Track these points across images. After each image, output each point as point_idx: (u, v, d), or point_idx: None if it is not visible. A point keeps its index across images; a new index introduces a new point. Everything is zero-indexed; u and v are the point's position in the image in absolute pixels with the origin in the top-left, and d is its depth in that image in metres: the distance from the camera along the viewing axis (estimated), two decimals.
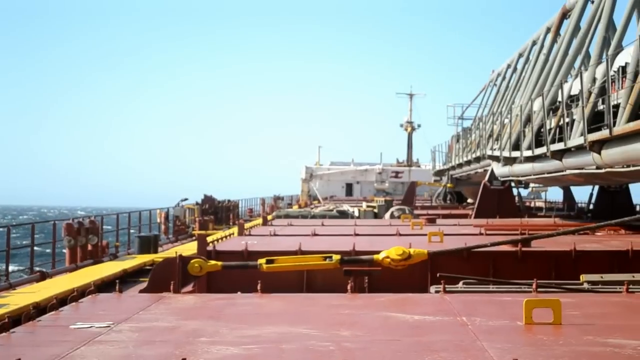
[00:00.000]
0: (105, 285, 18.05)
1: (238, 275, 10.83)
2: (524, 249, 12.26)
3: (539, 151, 22.85)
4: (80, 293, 7.76)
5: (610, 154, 17.08)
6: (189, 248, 25.03)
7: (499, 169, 29.22)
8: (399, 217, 27.39)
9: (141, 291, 10.29)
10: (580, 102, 19.34)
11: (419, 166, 76.09)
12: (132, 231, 31.47)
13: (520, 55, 37.49)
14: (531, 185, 37.93)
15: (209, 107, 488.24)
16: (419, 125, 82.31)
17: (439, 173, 52.41)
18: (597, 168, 19.06)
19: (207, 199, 46.10)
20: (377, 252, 8.88)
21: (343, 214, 34.49)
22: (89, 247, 24.32)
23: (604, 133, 17.07)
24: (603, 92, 18.31)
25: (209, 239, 13.75)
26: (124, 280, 19.43)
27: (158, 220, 38.05)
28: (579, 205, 38.33)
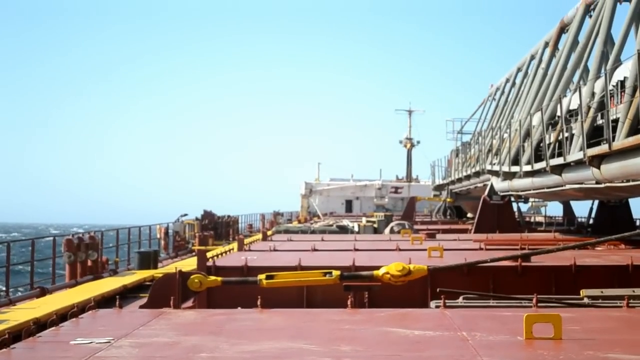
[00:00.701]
0: (105, 301, 18.05)
1: (238, 290, 10.82)
2: (524, 264, 12.27)
3: (538, 166, 22.87)
4: (80, 309, 7.75)
5: (610, 168, 17.10)
6: (188, 263, 25.02)
7: (499, 184, 29.24)
8: (398, 232, 27.41)
9: (141, 307, 10.29)
10: (579, 117, 19.38)
11: (418, 182, 76.04)
12: (132, 246, 31.45)
13: (519, 70, 37.55)
14: (531, 200, 37.97)
15: (206, 123, 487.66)
16: (418, 142, 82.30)
17: (439, 188, 52.43)
18: (597, 183, 19.08)
19: (207, 215, 46.13)
20: (377, 268, 8.88)
21: (343, 229, 34.50)
22: (89, 263, 24.33)
23: (603, 148, 17.09)
24: (602, 106, 18.35)
25: (208, 254, 13.75)
26: (124, 296, 19.43)
27: (158, 236, 38.06)
28: (579, 220, 38.34)
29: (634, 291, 9.46)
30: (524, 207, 39.79)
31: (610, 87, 18.27)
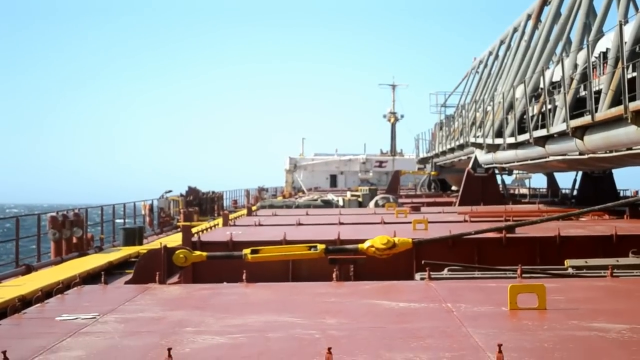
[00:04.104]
0: (90, 278, 18.01)
1: (223, 265, 10.81)
2: (508, 235, 12.30)
3: (521, 138, 22.92)
4: (65, 285, 7.73)
5: (593, 139, 17.16)
6: (173, 239, 24.96)
7: (483, 156, 29.29)
8: (383, 206, 27.42)
9: (127, 282, 10.30)
10: (562, 89, 19.40)
11: (402, 156, 75.88)
12: (116, 223, 31.39)
13: (502, 42, 37.50)
14: (515, 172, 38.07)
15: (190, 100, 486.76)
16: (402, 116, 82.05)
17: (423, 161, 52.47)
18: (580, 154, 19.14)
19: (192, 191, 46.02)
20: (362, 241, 8.90)
21: (327, 204, 34.44)
22: (74, 240, 24.28)
23: (586, 119, 17.14)
24: (585, 78, 18.37)
25: (193, 230, 13.72)
26: (110, 272, 19.39)
27: (142, 212, 37.99)
28: (563, 191, 38.46)
29: (617, 261, 9.53)
30: (508, 179, 39.81)
31: (592, 59, 18.28)
